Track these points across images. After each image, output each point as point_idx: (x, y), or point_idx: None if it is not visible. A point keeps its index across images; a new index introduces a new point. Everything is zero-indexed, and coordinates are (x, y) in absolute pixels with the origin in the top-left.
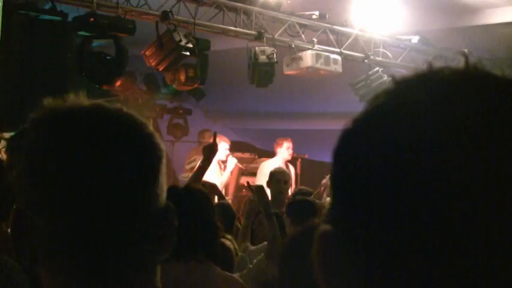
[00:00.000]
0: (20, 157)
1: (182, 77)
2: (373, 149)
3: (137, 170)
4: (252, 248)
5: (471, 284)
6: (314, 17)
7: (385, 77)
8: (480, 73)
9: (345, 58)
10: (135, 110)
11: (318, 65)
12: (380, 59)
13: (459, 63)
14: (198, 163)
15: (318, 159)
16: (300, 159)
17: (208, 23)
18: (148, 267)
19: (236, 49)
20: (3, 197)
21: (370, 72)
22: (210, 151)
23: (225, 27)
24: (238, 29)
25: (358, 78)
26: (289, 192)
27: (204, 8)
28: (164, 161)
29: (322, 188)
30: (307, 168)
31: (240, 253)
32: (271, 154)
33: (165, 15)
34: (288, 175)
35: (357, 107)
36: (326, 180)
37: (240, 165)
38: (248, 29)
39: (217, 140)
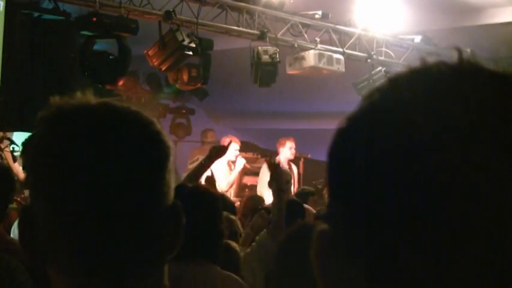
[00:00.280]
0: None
1: (185, 77)
2: (367, 147)
3: (144, 168)
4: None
5: (471, 284)
6: (317, 16)
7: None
8: (473, 68)
9: (348, 58)
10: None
11: (321, 65)
12: (383, 58)
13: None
14: (200, 160)
15: (320, 158)
16: (302, 159)
17: (211, 23)
18: (155, 266)
19: (239, 49)
20: None
21: (372, 72)
22: (217, 153)
23: (228, 26)
24: (241, 28)
25: (361, 78)
26: (292, 191)
27: (206, 7)
28: (172, 159)
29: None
30: (310, 168)
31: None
32: (274, 154)
33: (168, 15)
34: (290, 175)
35: None
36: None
37: (248, 166)
38: (251, 29)
39: (228, 140)
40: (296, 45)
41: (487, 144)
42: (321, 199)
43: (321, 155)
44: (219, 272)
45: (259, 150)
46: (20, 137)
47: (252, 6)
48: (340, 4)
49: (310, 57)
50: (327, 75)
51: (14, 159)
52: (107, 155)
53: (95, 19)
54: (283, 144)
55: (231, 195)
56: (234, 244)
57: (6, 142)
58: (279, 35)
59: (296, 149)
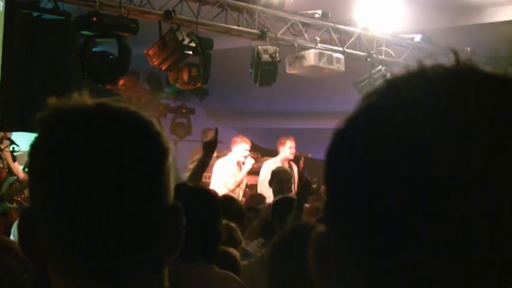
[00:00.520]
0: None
1: (185, 76)
2: (365, 148)
3: (143, 169)
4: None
5: (471, 284)
6: (317, 16)
7: (388, 76)
8: (470, 70)
9: (348, 57)
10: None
11: (321, 64)
12: (383, 57)
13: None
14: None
15: (320, 158)
16: (303, 158)
17: (211, 22)
18: (155, 266)
19: (239, 48)
20: None
21: (373, 71)
22: (210, 147)
23: (228, 26)
24: (241, 28)
25: (361, 77)
26: (293, 191)
27: (206, 7)
28: (171, 159)
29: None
30: (310, 168)
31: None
32: (274, 153)
33: (168, 15)
34: (290, 174)
35: None
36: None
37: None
38: (251, 28)
39: (239, 141)
40: (296, 45)
41: (486, 144)
42: (319, 198)
43: (321, 155)
44: (218, 272)
45: (260, 149)
46: (20, 137)
47: (252, 6)
48: (340, 3)
49: (310, 57)
50: (327, 74)
51: (14, 159)
52: (106, 155)
53: (95, 19)
54: (283, 144)
55: (239, 195)
56: (234, 252)
57: (6, 142)
58: (279, 35)
59: (296, 148)
